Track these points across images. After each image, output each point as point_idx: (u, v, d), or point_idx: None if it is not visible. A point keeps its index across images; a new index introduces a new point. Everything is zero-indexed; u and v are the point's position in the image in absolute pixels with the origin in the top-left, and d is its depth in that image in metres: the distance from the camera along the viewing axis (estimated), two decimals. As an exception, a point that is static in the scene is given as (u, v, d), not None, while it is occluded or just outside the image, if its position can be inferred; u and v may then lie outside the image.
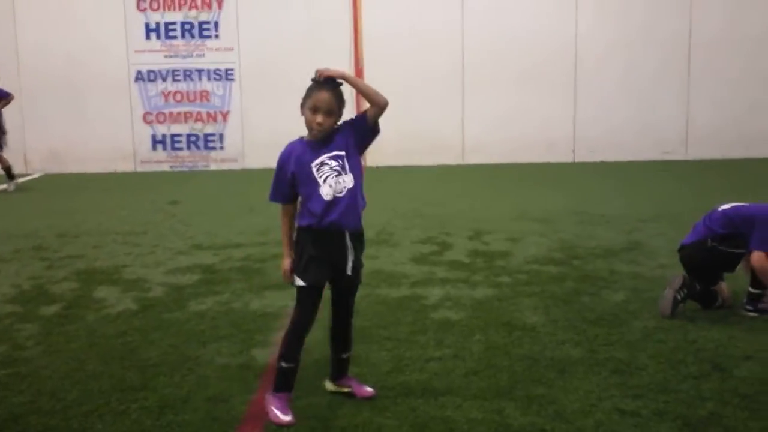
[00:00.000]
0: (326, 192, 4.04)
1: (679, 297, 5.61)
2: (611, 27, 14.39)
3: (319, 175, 4.06)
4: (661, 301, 5.65)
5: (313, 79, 4.12)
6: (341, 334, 4.38)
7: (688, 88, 14.54)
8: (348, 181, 4.07)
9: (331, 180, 4.05)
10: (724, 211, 5.75)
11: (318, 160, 4.07)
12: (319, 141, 4.08)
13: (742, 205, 5.77)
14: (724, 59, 14.36)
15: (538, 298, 6.10)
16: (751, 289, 5.66)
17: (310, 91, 4.10)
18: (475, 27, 14.37)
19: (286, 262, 4.18)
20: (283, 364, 4.13)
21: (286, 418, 4.03)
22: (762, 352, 4.88)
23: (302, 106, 4.11)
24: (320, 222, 4.07)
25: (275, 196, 4.27)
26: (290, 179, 4.13)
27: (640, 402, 4.19)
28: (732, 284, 5.91)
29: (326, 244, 4.10)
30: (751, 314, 5.62)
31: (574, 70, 14.52)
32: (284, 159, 4.18)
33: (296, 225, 4.18)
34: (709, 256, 5.69)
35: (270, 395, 4.15)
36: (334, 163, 4.06)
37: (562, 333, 5.31)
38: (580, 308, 5.84)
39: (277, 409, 4.06)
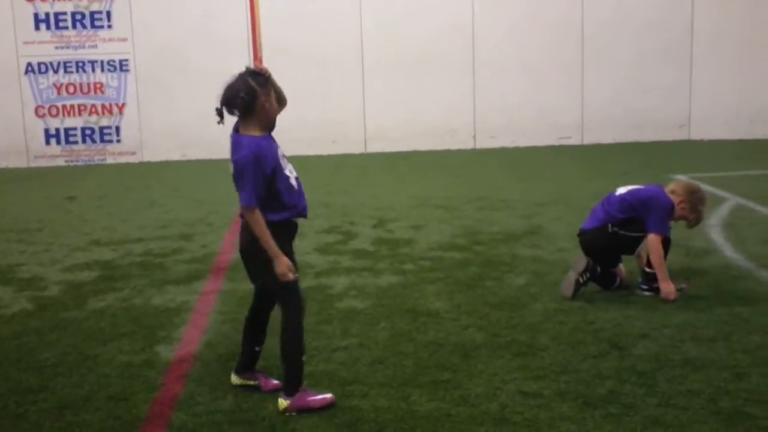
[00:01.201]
0: (293, 181, 4.05)
1: (581, 280, 5.74)
2: (506, 12, 14.60)
3: (284, 165, 4.03)
4: (563, 284, 5.78)
5: (259, 72, 3.93)
6: (261, 326, 4.33)
7: (582, 73, 14.88)
8: (293, 167, 4.12)
9: (290, 167, 4.09)
10: (621, 195, 5.90)
11: (280, 151, 4.05)
12: (269, 132, 4.05)
13: (638, 189, 5.93)
14: (616, 44, 14.73)
15: (442, 284, 6.16)
16: (646, 269, 5.83)
17: (268, 83, 3.94)
18: (372, 14, 14.39)
19: (286, 260, 3.96)
20: (304, 358, 4.10)
21: (328, 395, 4.07)
22: (657, 330, 5.04)
23: (260, 97, 3.89)
24: (299, 212, 4.09)
25: (255, 199, 3.89)
26: (269, 175, 3.91)
27: (542, 383, 4.28)
28: (628, 265, 6.08)
29: (294, 232, 4.18)
30: (647, 293, 5.79)
31: (472, 57, 14.69)
32: (262, 155, 3.89)
33: (267, 221, 3.92)
34: (611, 240, 5.83)
35: (301, 394, 4.02)
36: (283, 151, 4.08)
37: (466, 318, 5.38)
38: (483, 293, 5.92)
39: (314, 396, 4.04)
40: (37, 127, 14.35)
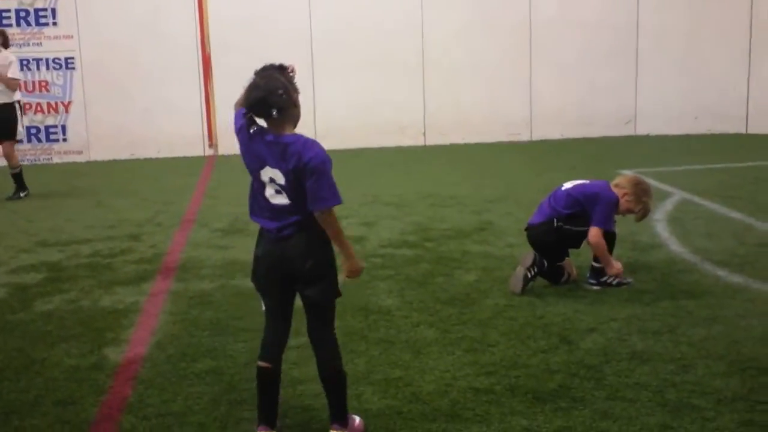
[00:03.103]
0: None
1: (530, 275, 5.80)
2: (455, 9, 14.66)
3: None
4: (512, 279, 5.83)
5: (286, 68, 3.58)
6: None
7: (530, 70, 15.02)
8: None
9: None
10: (567, 191, 5.97)
11: None
12: None
13: (585, 184, 6.01)
14: (563, 42, 14.91)
15: (393, 281, 6.18)
16: (594, 264, 5.91)
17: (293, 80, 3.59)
18: (322, 12, 14.36)
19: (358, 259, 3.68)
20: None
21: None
22: (605, 324, 5.11)
23: (294, 94, 3.52)
24: None
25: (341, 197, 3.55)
26: None
27: (493, 378, 4.31)
28: (576, 259, 6.15)
29: None
30: (595, 288, 5.87)
31: (422, 57, 14.73)
32: None
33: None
34: (556, 235, 5.90)
35: (350, 421, 3.75)
36: None
37: (417, 315, 5.40)
38: (434, 289, 5.95)
39: (353, 418, 3.79)
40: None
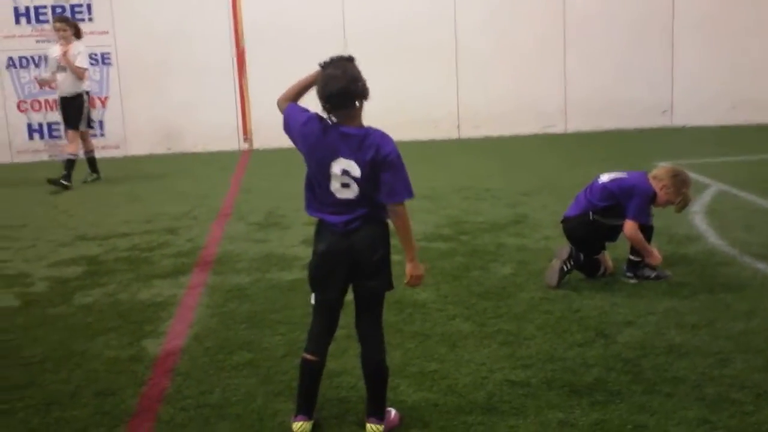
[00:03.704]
0: None
1: (566, 268, 5.78)
2: (487, 2, 14.56)
3: None
4: (548, 272, 5.81)
5: (354, 59, 3.63)
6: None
7: (564, 61, 14.90)
8: None
9: None
10: (604, 183, 5.92)
11: None
12: None
13: (621, 176, 5.96)
14: (597, 31, 14.74)
15: (428, 275, 6.15)
16: (631, 257, 5.87)
17: None
18: (355, 3, 14.35)
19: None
20: None
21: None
22: (642, 318, 5.08)
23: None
24: None
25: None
26: None
27: (529, 372, 4.31)
28: (613, 252, 6.12)
29: None
30: (632, 281, 5.83)
31: (455, 47, 14.66)
32: None
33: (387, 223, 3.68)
34: (592, 228, 5.87)
35: (387, 415, 3.77)
36: None
37: (452, 308, 5.40)
38: (469, 283, 5.95)
39: (389, 410, 3.82)
40: (20, 122, 14.26)
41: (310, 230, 3.98)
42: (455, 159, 12.59)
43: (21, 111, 14.23)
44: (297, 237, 7.50)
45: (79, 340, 5.10)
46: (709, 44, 14.82)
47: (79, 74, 11.02)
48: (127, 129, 14.41)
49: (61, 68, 11.03)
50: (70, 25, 11.19)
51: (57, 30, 11.12)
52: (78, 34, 11.17)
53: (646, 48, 14.88)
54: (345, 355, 4.58)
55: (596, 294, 5.59)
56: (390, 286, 3.74)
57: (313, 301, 3.82)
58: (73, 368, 4.64)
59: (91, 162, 11.77)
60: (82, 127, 11.32)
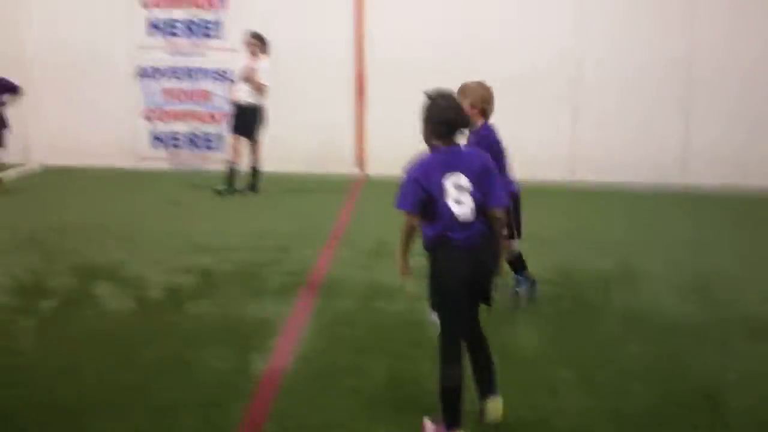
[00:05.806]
0: None
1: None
2: (614, 46, 14.40)
3: None
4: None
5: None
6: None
7: (688, 112, 14.55)
8: None
9: None
10: None
11: None
12: None
13: None
14: (723, 83, 14.34)
15: (530, 316, 6.15)
16: None
17: None
18: (478, 44, 14.40)
19: None
20: None
21: None
22: (753, 378, 4.93)
23: None
24: None
25: None
26: None
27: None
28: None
29: None
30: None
31: (575, 90, 14.53)
32: None
33: None
34: None
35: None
36: None
37: (555, 355, 5.36)
38: (574, 331, 5.88)
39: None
40: (145, 130, 14.81)
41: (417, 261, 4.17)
42: (567, 203, 12.38)
43: (147, 119, 14.78)
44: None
45: (189, 349, 5.28)
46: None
47: (258, 89, 11.75)
48: (243, 145, 14.77)
49: (243, 79, 11.76)
50: (260, 40, 11.92)
51: (248, 45, 11.85)
52: (264, 50, 11.88)
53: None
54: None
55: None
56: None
57: (437, 322, 4.07)
58: (183, 376, 4.80)
59: (254, 173, 12.35)
60: (256, 137, 12.02)
